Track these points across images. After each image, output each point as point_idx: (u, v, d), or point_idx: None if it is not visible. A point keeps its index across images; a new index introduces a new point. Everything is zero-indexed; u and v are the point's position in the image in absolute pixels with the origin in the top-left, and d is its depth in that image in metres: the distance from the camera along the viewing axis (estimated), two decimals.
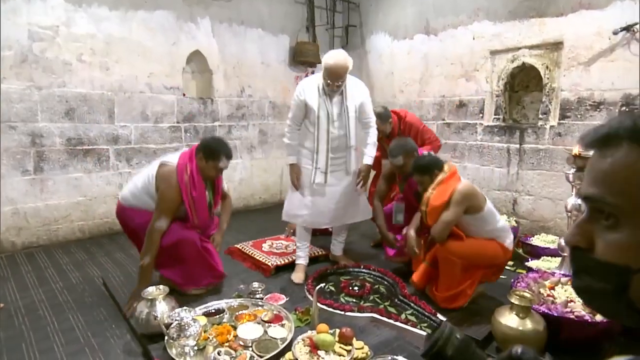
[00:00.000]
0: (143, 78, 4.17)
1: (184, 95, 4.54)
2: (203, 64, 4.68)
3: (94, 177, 3.98)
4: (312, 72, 5.75)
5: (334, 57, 2.68)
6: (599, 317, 2.01)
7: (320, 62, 5.60)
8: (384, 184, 3.24)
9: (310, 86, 2.82)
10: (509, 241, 2.53)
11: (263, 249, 3.45)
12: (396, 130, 3.49)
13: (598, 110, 3.54)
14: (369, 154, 2.93)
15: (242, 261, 3.35)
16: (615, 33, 3.30)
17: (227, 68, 4.84)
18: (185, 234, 2.51)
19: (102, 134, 3.98)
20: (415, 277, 2.57)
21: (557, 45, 3.73)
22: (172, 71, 4.37)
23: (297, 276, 2.97)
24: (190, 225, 2.57)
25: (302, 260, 3.07)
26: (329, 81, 2.71)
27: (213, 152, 2.49)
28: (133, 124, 4.17)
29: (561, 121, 3.77)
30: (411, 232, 2.65)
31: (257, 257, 3.24)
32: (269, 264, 3.11)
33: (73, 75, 3.73)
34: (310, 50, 5.37)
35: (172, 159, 2.52)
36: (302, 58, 5.35)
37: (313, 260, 3.25)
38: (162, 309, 2.12)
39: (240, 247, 3.47)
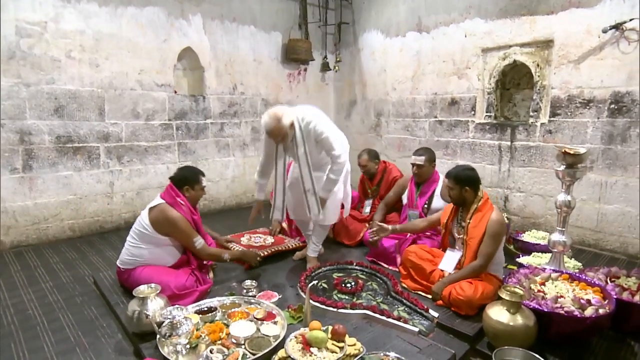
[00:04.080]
0: (134, 75, 4.12)
1: (175, 92, 4.50)
2: (194, 60, 4.65)
3: (84, 175, 3.94)
4: (305, 70, 5.75)
5: (266, 122, 2.69)
6: (588, 313, 2.04)
7: (312, 59, 5.65)
8: (393, 193, 3.53)
9: None
10: (500, 274, 2.60)
11: (242, 242, 3.45)
12: (379, 176, 3.86)
13: (588, 107, 3.58)
14: (325, 187, 2.83)
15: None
16: (604, 31, 3.34)
17: (219, 65, 4.81)
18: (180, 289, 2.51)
19: (93, 131, 3.94)
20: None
21: (547, 43, 3.76)
22: (163, 68, 4.33)
23: (296, 254, 3.36)
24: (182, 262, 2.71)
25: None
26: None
27: (193, 178, 2.76)
28: (124, 122, 4.13)
29: (552, 118, 3.81)
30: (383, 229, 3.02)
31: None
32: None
33: (62, 72, 3.68)
34: (303, 47, 5.35)
35: (155, 202, 2.65)
36: (295, 55, 5.33)
37: (290, 252, 3.43)
38: (154, 307, 2.10)
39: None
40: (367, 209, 3.83)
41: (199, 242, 2.64)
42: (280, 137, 2.71)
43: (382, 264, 3.20)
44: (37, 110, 3.60)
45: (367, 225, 3.67)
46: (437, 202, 3.21)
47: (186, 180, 2.72)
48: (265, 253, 3.20)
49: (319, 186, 2.82)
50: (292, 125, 2.71)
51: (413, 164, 3.27)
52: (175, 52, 4.42)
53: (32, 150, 3.62)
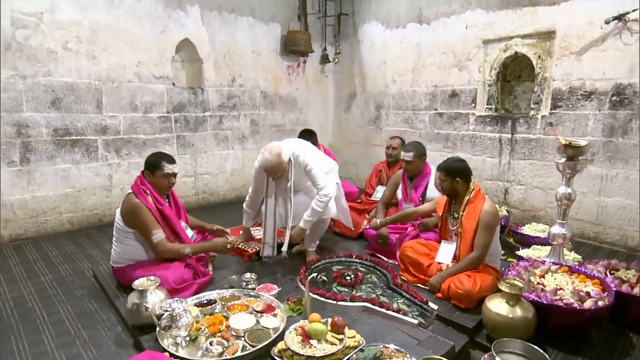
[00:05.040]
0: (131, 67, 4.09)
1: (173, 84, 4.47)
2: (193, 52, 4.61)
3: (82, 168, 3.92)
4: (304, 62, 5.70)
5: (267, 159, 2.70)
6: (587, 305, 2.04)
7: (312, 51, 5.60)
8: (388, 191, 3.56)
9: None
10: (497, 265, 2.62)
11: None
12: (398, 167, 3.78)
13: (589, 99, 3.56)
14: (306, 217, 2.81)
15: None
16: (607, 22, 3.31)
17: (218, 57, 4.77)
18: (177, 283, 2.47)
19: (90, 124, 3.91)
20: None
21: (549, 35, 3.72)
22: (161, 60, 4.29)
23: (295, 247, 3.26)
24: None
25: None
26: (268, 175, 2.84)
27: (153, 163, 2.62)
28: (122, 114, 4.10)
29: (553, 111, 3.79)
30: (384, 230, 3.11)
31: (237, 245, 3.23)
32: (249, 249, 3.15)
33: (59, 64, 3.65)
34: (302, 39, 5.31)
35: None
36: (294, 47, 5.29)
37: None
38: (154, 299, 2.10)
39: None
40: (379, 195, 3.84)
41: (157, 235, 2.48)
42: (280, 172, 2.79)
43: (382, 257, 3.20)
44: (34, 102, 3.57)
45: (367, 215, 3.72)
46: (431, 194, 3.26)
47: (148, 165, 2.61)
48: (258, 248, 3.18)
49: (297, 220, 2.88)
50: (289, 161, 2.80)
51: (402, 160, 3.34)
52: (173, 43, 4.38)
53: (29, 143, 3.60)
